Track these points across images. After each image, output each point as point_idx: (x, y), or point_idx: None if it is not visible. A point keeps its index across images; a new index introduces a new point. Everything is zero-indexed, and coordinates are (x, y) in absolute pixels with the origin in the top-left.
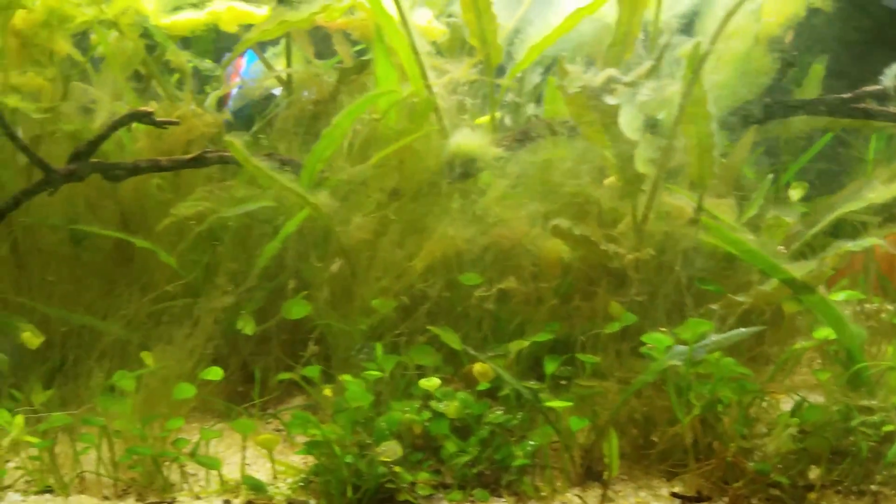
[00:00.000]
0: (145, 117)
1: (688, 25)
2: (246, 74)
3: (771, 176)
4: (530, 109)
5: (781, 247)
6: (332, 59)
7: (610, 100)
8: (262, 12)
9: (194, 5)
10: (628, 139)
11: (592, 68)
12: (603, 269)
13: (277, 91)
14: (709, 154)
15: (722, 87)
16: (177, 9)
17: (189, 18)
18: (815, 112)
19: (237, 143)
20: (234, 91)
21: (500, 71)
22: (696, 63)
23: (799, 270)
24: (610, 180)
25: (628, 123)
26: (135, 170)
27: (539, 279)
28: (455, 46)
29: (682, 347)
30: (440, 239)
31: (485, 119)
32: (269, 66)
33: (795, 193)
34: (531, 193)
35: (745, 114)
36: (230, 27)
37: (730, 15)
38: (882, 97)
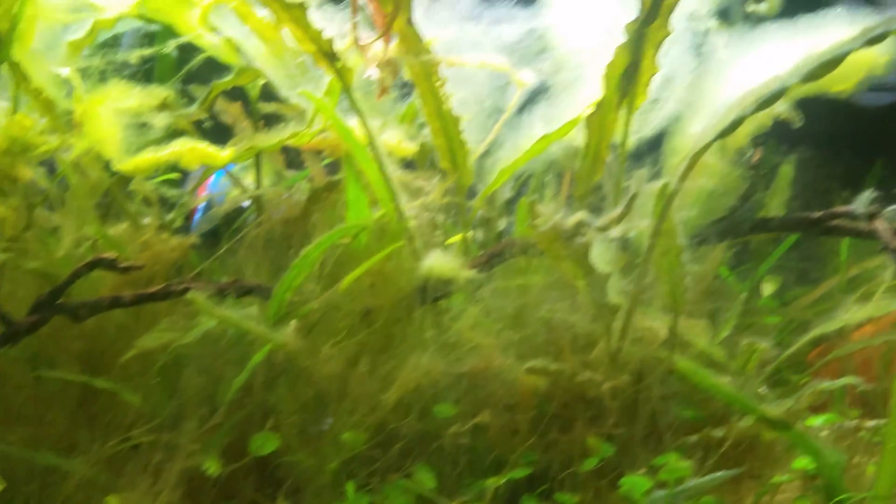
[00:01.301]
0: (108, 264)
1: (656, 144)
2: (213, 188)
3: (744, 295)
4: (502, 224)
5: (757, 375)
6: (304, 170)
7: (580, 240)
8: (224, 153)
9: (156, 143)
10: (600, 272)
11: (564, 210)
12: (580, 398)
13: (247, 203)
14: (680, 282)
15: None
16: (139, 149)
17: (150, 157)
18: (797, 228)
19: (199, 298)
20: (201, 207)
21: (472, 189)
22: (665, 202)
23: (775, 410)
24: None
25: (599, 257)
26: (97, 308)
27: (515, 410)
28: (427, 158)
29: (660, 493)
30: (413, 369)
31: (457, 238)
32: (238, 183)
33: (768, 288)
34: (504, 319)
35: (717, 231)
36: (192, 166)
37: (698, 157)
38: (853, 216)
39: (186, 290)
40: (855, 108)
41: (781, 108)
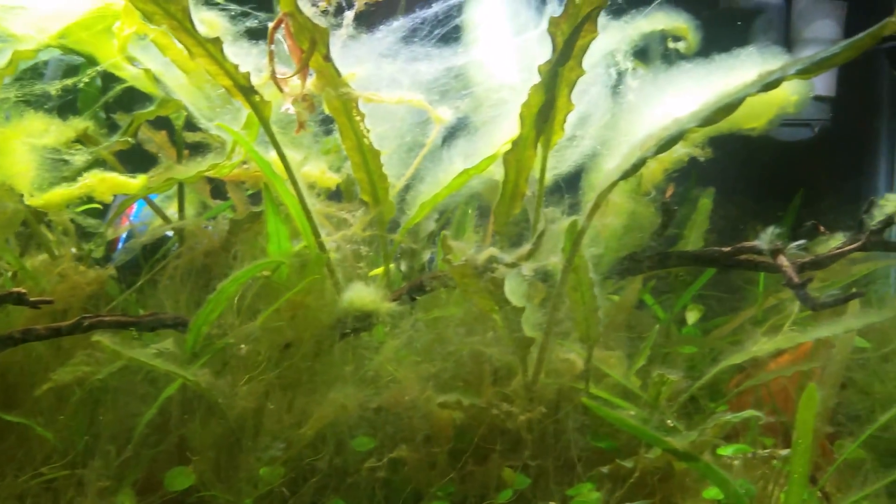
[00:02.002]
0: (16, 299)
1: (575, 179)
2: (135, 218)
3: (657, 327)
4: (427, 255)
5: (671, 405)
6: (228, 200)
7: (491, 275)
8: (136, 181)
9: (74, 174)
10: (515, 306)
11: (486, 244)
12: (497, 430)
13: (170, 233)
14: (594, 315)
15: (602, 252)
16: (55, 182)
17: (62, 191)
18: (696, 263)
19: (105, 341)
20: (124, 237)
21: (396, 222)
22: (574, 238)
23: (679, 441)
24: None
25: (512, 291)
26: (8, 341)
27: (432, 443)
28: (353, 190)
29: None
30: (330, 403)
31: (379, 270)
32: (160, 214)
33: (692, 316)
34: (423, 351)
35: (630, 265)
36: (106, 198)
37: (603, 196)
38: (759, 252)
39: (97, 324)
40: (773, 144)
41: (699, 144)
